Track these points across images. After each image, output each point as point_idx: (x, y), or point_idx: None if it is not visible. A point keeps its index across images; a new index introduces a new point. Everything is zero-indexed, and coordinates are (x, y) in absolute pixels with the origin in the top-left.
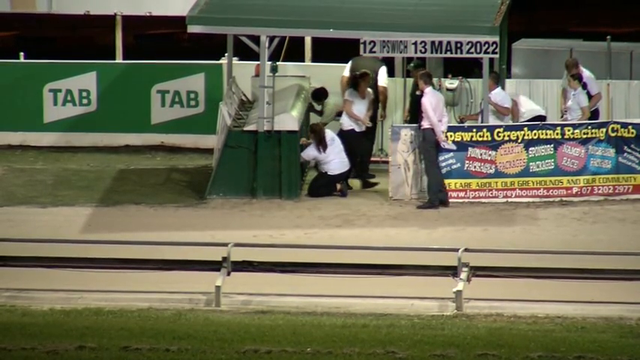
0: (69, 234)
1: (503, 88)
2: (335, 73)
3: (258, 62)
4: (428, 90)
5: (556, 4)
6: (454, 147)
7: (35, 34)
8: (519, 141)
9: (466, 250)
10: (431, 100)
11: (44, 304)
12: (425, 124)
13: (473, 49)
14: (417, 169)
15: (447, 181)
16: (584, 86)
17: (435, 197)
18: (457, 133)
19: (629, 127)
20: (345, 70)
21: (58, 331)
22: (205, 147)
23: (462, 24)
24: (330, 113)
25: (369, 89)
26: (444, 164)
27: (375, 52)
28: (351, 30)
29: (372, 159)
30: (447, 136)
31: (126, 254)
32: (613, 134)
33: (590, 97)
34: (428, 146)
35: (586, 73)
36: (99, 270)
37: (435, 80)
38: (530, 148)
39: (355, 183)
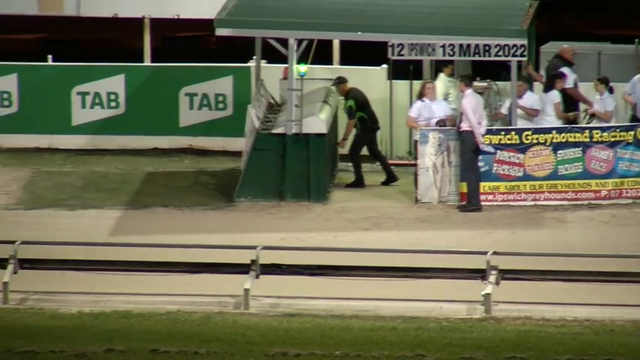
0: (97, 237)
1: (531, 91)
2: (363, 76)
3: (286, 65)
4: (468, 92)
5: (584, 8)
6: (492, 150)
7: (63, 36)
8: (548, 144)
9: (495, 253)
10: (471, 102)
11: (72, 307)
12: (464, 126)
13: (501, 52)
14: (445, 172)
15: None
16: (611, 90)
17: (476, 199)
18: (486, 136)
19: None
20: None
21: (86, 334)
22: (233, 150)
23: (490, 27)
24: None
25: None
26: None
27: (403, 55)
28: (379, 33)
29: (402, 162)
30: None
31: (154, 257)
32: None
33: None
34: (467, 149)
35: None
36: (127, 273)
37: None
38: (559, 151)
39: None
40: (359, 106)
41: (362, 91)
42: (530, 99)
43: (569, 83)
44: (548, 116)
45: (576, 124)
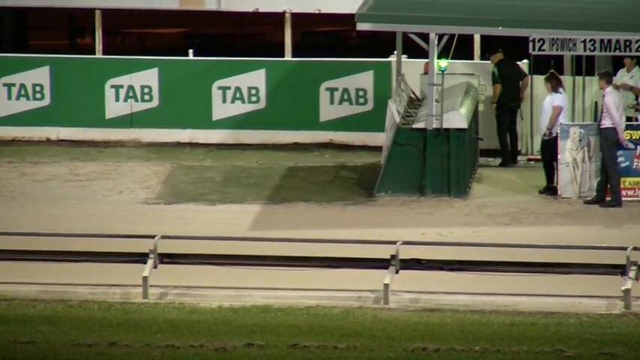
0: (237, 231)
1: None
2: None
3: (427, 60)
4: (609, 89)
5: None
6: (633, 146)
7: (204, 31)
8: None
9: (635, 248)
10: (614, 99)
11: (213, 302)
12: (606, 123)
13: None
14: (585, 168)
15: None
16: None
17: (619, 196)
18: (626, 132)
19: None
20: None
21: (226, 329)
22: (374, 144)
23: (631, 22)
24: None
25: None
26: None
27: (544, 50)
28: (520, 28)
29: (536, 157)
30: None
31: (294, 251)
32: None
33: None
34: (610, 145)
35: None
36: (267, 267)
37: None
38: None
39: None
40: (499, 77)
41: (514, 67)
42: None
43: None
44: None
45: None
